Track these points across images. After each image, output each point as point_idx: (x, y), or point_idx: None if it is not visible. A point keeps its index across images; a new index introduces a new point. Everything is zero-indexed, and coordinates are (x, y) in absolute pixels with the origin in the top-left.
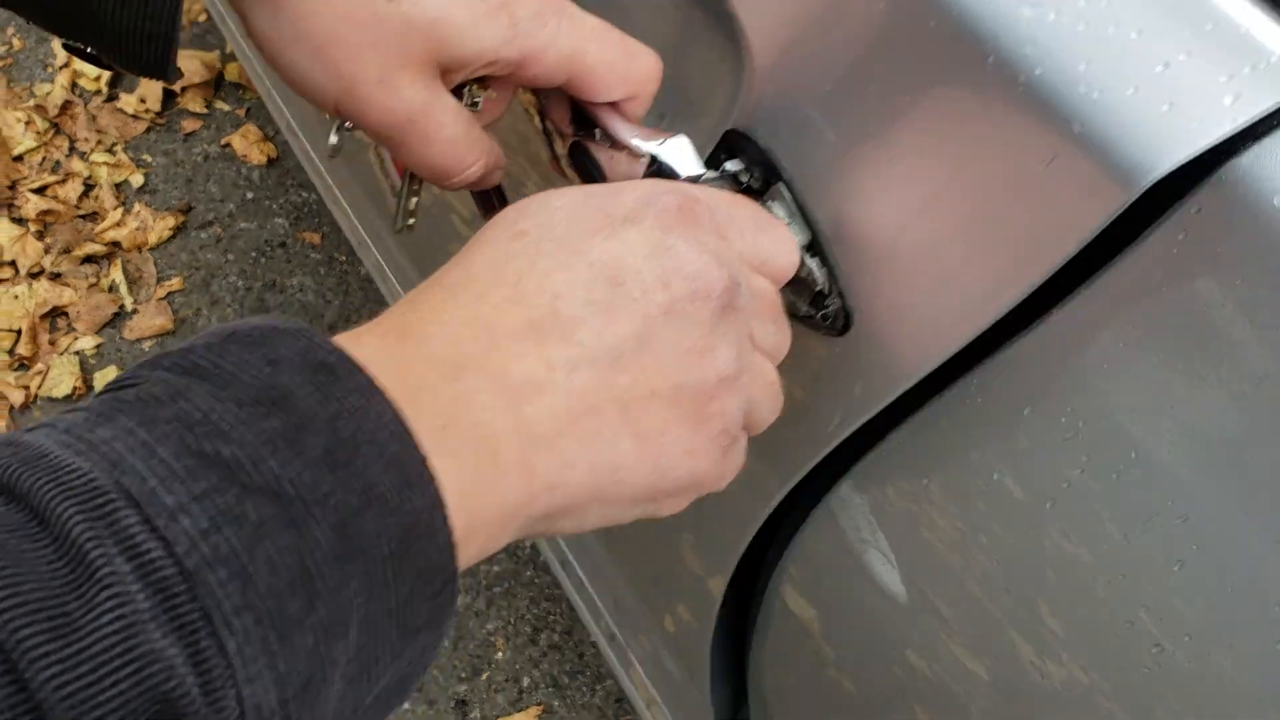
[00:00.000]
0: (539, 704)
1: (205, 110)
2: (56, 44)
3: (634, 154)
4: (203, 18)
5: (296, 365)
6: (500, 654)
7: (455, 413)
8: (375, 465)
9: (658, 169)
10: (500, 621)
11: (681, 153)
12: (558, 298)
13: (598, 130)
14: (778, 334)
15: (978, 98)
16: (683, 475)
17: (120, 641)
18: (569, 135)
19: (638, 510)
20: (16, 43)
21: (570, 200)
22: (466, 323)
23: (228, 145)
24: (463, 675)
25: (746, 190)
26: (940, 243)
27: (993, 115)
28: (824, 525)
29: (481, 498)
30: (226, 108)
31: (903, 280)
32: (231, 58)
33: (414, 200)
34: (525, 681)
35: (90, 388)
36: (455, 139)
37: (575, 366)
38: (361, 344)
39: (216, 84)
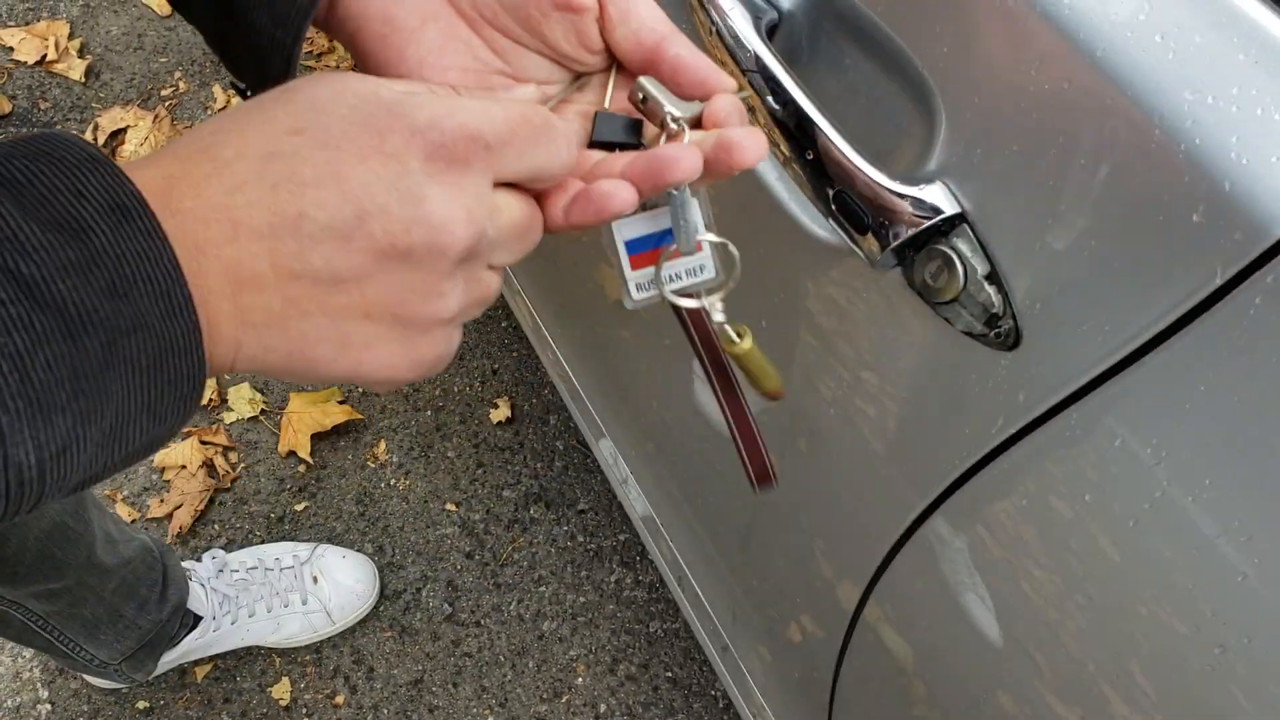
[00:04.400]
0: None
1: None
2: (217, 88)
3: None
4: None
5: (99, 203)
6: (580, 679)
7: (193, 284)
8: (148, 298)
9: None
10: (582, 649)
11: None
12: (303, 216)
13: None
14: (516, 252)
15: (1145, 159)
16: (380, 378)
17: None
18: (836, 187)
19: (335, 382)
20: (182, 85)
21: (355, 107)
22: (217, 209)
23: None
24: (544, 696)
25: (937, 228)
26: (1102, 275)
27: (1156, 174)
28: (923, 567)
29: (207, 348)
30: None
31: (1068, 305)
32: None
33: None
34: (602, 708)
35: (224, 400)
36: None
37: (297, 278)
38: (147, 180)
39: None
